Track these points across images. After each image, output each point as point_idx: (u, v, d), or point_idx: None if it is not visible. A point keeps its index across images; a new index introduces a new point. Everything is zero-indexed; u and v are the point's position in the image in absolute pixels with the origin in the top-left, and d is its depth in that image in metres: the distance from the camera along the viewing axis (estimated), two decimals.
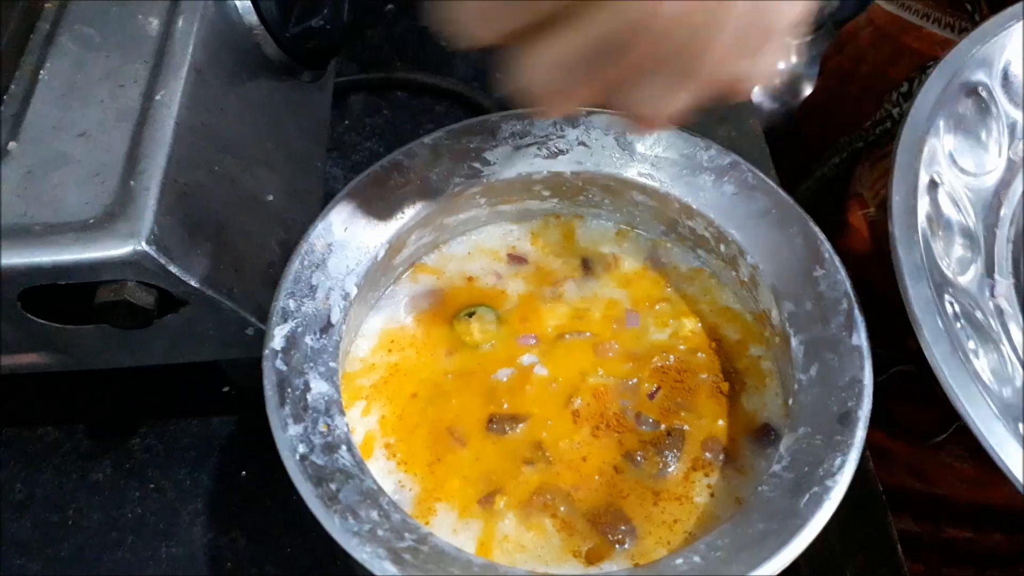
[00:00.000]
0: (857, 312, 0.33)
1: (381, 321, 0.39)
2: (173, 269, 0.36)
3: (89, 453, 0.46)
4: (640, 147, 0.39)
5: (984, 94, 0.42)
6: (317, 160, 0.49)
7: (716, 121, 0.61)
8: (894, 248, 0.35)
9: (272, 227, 0.43)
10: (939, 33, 0.56)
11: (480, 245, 0.42)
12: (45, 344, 0.40)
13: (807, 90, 1.15)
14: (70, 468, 0.46)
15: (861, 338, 0.33)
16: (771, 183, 0.37)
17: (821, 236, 0.36)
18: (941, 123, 0.40)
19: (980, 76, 0.42)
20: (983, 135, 0.42)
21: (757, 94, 1.18)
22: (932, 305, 0.34)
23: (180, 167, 0.38)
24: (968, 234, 0.39)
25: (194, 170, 0.39)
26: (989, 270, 0.39)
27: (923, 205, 0.37)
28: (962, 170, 0.40)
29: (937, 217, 0.38)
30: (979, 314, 0.36)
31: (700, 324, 0.39)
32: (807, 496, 0.30)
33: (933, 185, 0.38)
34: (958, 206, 0.39)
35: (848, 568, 0.43)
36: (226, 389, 0.48)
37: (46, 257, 0.35)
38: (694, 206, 0.38)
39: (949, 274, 0.36)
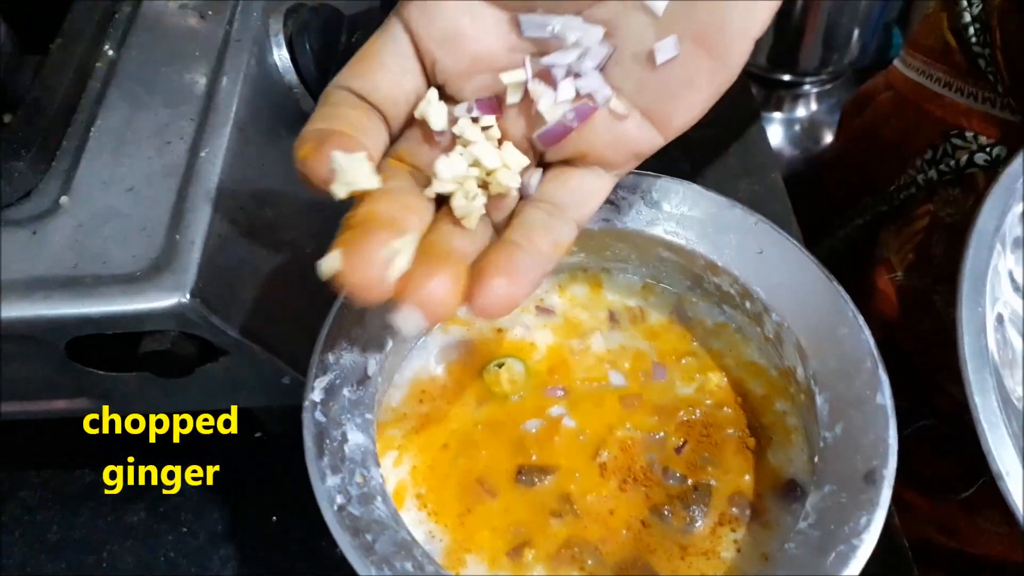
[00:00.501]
0: (881, 371, 0.34)
1: (412, 371, 0.40)
2: (215, 320, 0.37)
3: (123, 496, 0.47)
4: (666, 206, 0.40)
5: None
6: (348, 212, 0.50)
7: (739, 175, 0.62)
8: (969, 391, 0.35)
9: (309, 278, 0.45)
10: (962, 102, 0.56)
11: None
12: (87, 390, 0.41)
13: (827, 137, 1.17)
14: (105, 510, 0.47)
15: (885, 397, 0.33)
16: (796, 243, 0.38)
17: (845, 296, 0.36)
18: (999, 248, 0.40)
19: None
20: None
21: (777, 141, 1.19)
22: (1014, 452, 0.34)
23: (223, 221, 0.40)
24: None
25: (236, 224, 0.41)
26: None
27: (992, 338, 0.37)
28: None
29: (1004, 347, 0.38)
30: None
31: (726, 379, 0.39)
32: (833, 554, 0.30)
33: (999, 320, 0.39)
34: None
35: None
36: (258, 435, 0.49)
37: (95, 308, 0.36)
38: (719, 263, 0.39)
39: (1017, 404, 0.37)
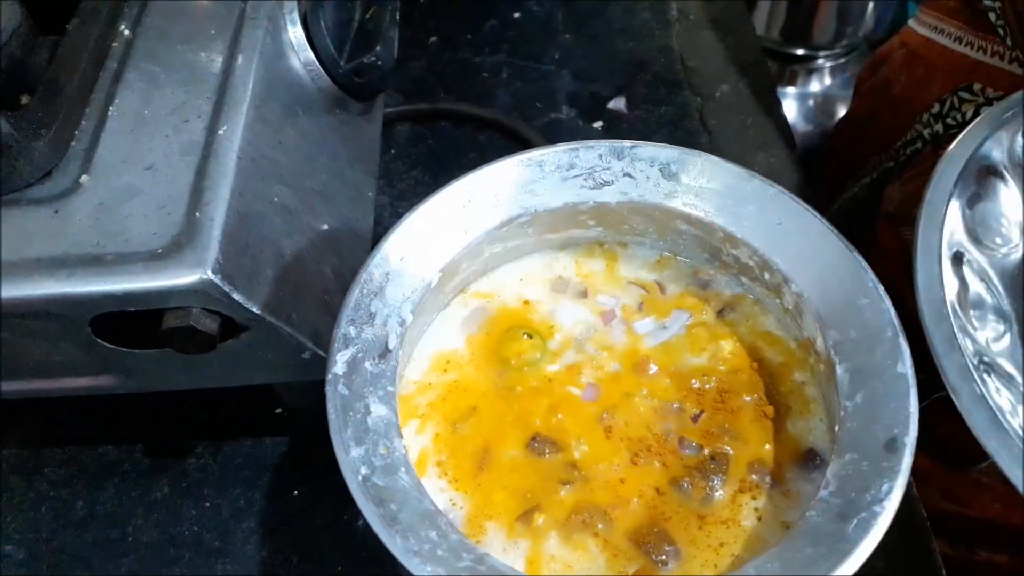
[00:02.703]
0: (902, 340, 0.34)
1: (434, 344, 0.40)
2: (237, 297, 0.37)
3: (147, 471, 0.48)
4: (685, 178, 0.40)
5: (1000, 172, 0.43)
6: (368, 190, 0.51)
7: (755, 148, 0.62)
8: (924, 319, 0.37)
9: (327, 255, 0.45)
10: (971, 55, 0.57)
11: (526, 272, 0.43)
12: (110, 367, 0.42)
13: (841, 111, 1.16)
14: (129, 486, 0.48)
15: (906, 366, 0.33)
16: (815, 214, 0.38)
17: (865, 266, 0.36)
18: (958, 202, 0.41)
19: (995, 154, 0.43)
20: (1002, 212, 0.43)
21: (792, 116, 1.19)
22: (968, 372, 0.35)
23: (242, 198, 0.40)
24: (998, 308, 0.40)
25: (255, 201, 0.41)
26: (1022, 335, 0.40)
27: (950, 279, 0.38)
28: (985, 246, 0.41)
29: (964, 290, 0.39)
30: (1020, 383, 0.37)
31: (739, 344, 0.39)
32: (855, 521, 0.30)
33: (958, 259, 0.40)
34: (985, 280, 0.40)
35: None
36: (279, 411, 0.50)
37: (117, 285, 0.37)
38: (738, 235, 0.39)
39: (983, 343, 0.37)
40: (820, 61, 1.20)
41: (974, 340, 0.38)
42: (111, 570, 0.45)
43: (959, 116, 0.56)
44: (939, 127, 0.58)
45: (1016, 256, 0.42)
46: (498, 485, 0.35)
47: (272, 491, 0.48)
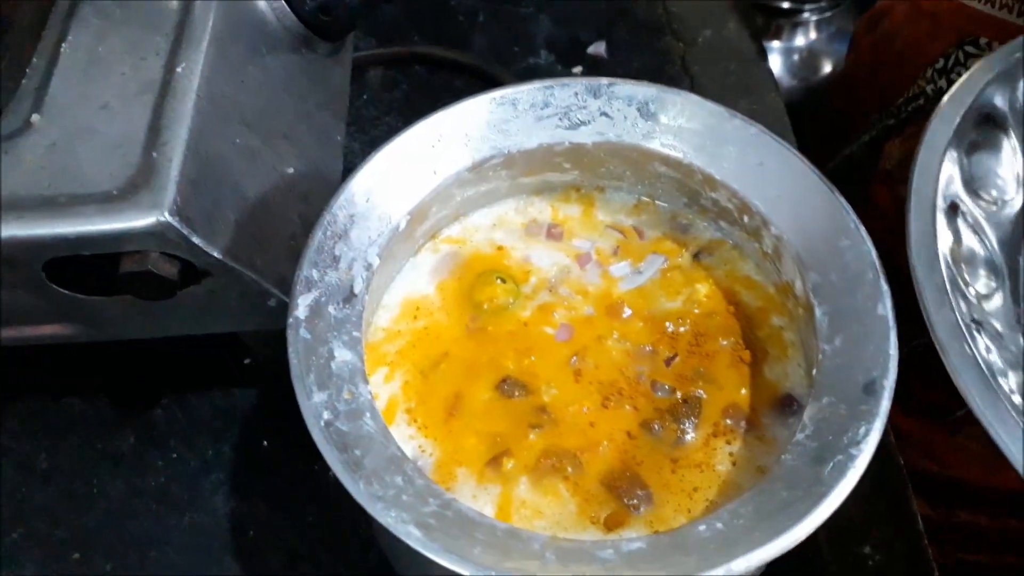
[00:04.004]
0: (883, 282, 0.33)
1: (403, 290, 0.39)
2: (196, 240, 0.36)
3: (112, 423, 0.47)
4: (663, 117, 0.38)
5: (1000, 121, 0.42)
6: (337, 134, 0.49)
7: (737, 95, 0.61)
8: (915, 271, 0.36)
9: (293, 200, 0.43)
10: (979, 8, 0.55)
11: (500, 217, 0.42)
12: (70, 315, 0.40)
13: (826, 67, 1.14)
14: (94, 438, 0.47)
15: (887, 308, 0.33)
16: (796, 154, 0.37)
17: (847, 207, 0.35)
18: (956, 152, 0.40)
19: (997, 101, 0.41)
20: (1000, 163, 0.42)
21: (776, 70, 1.17)
22: (958, 329, 0.34)
23: (202, 139, 0.38)
24: (991, 263, 0.39)
25: (215, 142, 0.39)
26: (1016, 298, 0.39)
27: (943, 231, 0.37)
28: (981, 199, 0.40)
29: (958, 244, 0.38)
30: (1009, 343, 0.36)
31: (715, 287, 0.39)
32: (831, 464, 0.29)
33: (953, 210, 0.38)
34: (979, 234, 0.39)
35: (867, 541, 0.43)
36: (247, 361, 0.48)
37: (70, 228, 0.35)
38: (717, 177, 0.38)
39: (973, 299, 0.36)
40: (806, 15, 1.18)
41: (966, 297, 0.37)
42: (76, 522, 0.44)
43: (964, 72, 0.55)
44: (943, 83, 0.57)
45: (1012, 210, 0.41)
46: (468, 430, 0.35)
47: (241, 443, 0.47)
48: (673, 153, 0.38)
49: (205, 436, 0.47)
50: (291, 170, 0.44)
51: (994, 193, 0.41)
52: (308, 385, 0.31)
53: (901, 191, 0.57)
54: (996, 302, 0.39)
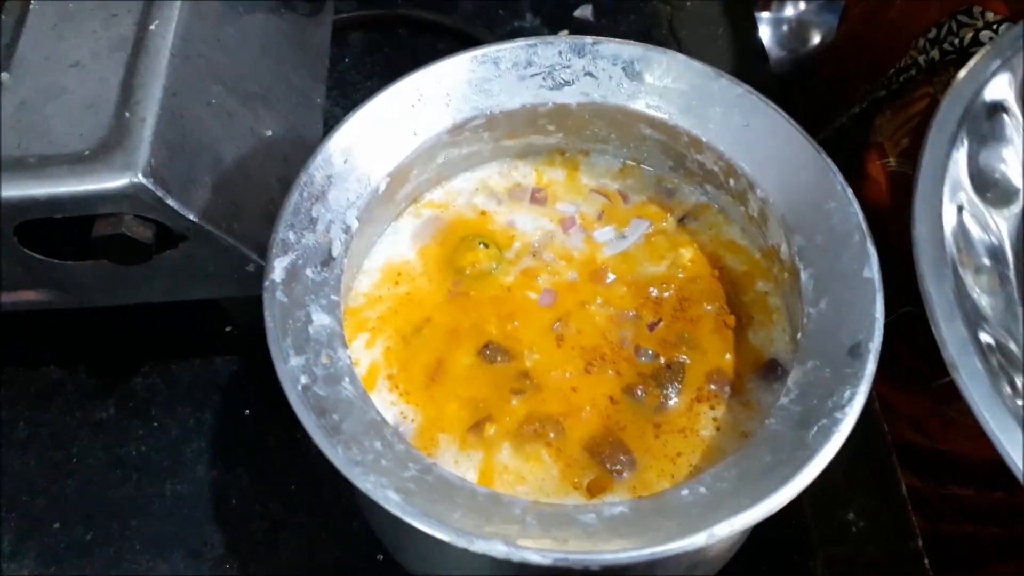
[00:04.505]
0: (869, 245, 0.33)
1: (385, 255, 0.38)
2: (171, 202, 0.35)
3: (92, 392, 0.46)
4: (649, 77, 0.38)
5: (1005, 114, 0.41)
6: (316, 96, 0.48)
7: (726, 59, 0.60)
8: (923, 283, 0.35)
9: (271, 163, 0.43)
10: None
11: (483, 181, 0.41)
12: (44, 280, 0.39)
13: (816, 38, 1.13)
14: (73, 407, 0.46)
15: (873, 271, 0.32)
16: (783, 115, 0.36)
17: (834, 169, 0.35)
18: (961, 149, 0.39)
19: (1001, 94, 0.40)
20: (1006, 160, 0.41)
21: (765, 41, 1.16)
22: (968, 344, 0.34)
23: (176, 99, 0.37)
24: (997, 258, 0.39)
25: (191, 102, 0.38)
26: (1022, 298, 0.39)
27: (950, 233, 0.36)
28: (987, 197, 0.39)
29: (966, 246, 0.37)
30: (1012, 345, 0.36)
31: (699, 252, 0.38)
32: (816, 428, 0.29)
33: (959, 211, 0.38)
34: (987, 231, 0.39)
35: (851, 507, 0.43)
36: (228, 329, 0.48)
37: (41, 190, 0.35)
38: (704, 139, 0.37)
39: (981, 305, 0.36)
40: None
41: (976, 306, 0.36)
42: (56, 491, 0.44)
43: (956, 41, 0.54)
44: (935, 53, 0.56)
45: (1018, 209, 0.40)
46: (450, 396, 0.34)
47: (223, 411, 0.46)
48: (659, 114, 0.38)
49: (186, 404, 0.46)
50: (269, 133, 0.43)
51: (1000, 182, 0.40)
52: (285, 349, 0.30)
53: (891, 164, 0.57)
54: (1002, 302, 0.38)
